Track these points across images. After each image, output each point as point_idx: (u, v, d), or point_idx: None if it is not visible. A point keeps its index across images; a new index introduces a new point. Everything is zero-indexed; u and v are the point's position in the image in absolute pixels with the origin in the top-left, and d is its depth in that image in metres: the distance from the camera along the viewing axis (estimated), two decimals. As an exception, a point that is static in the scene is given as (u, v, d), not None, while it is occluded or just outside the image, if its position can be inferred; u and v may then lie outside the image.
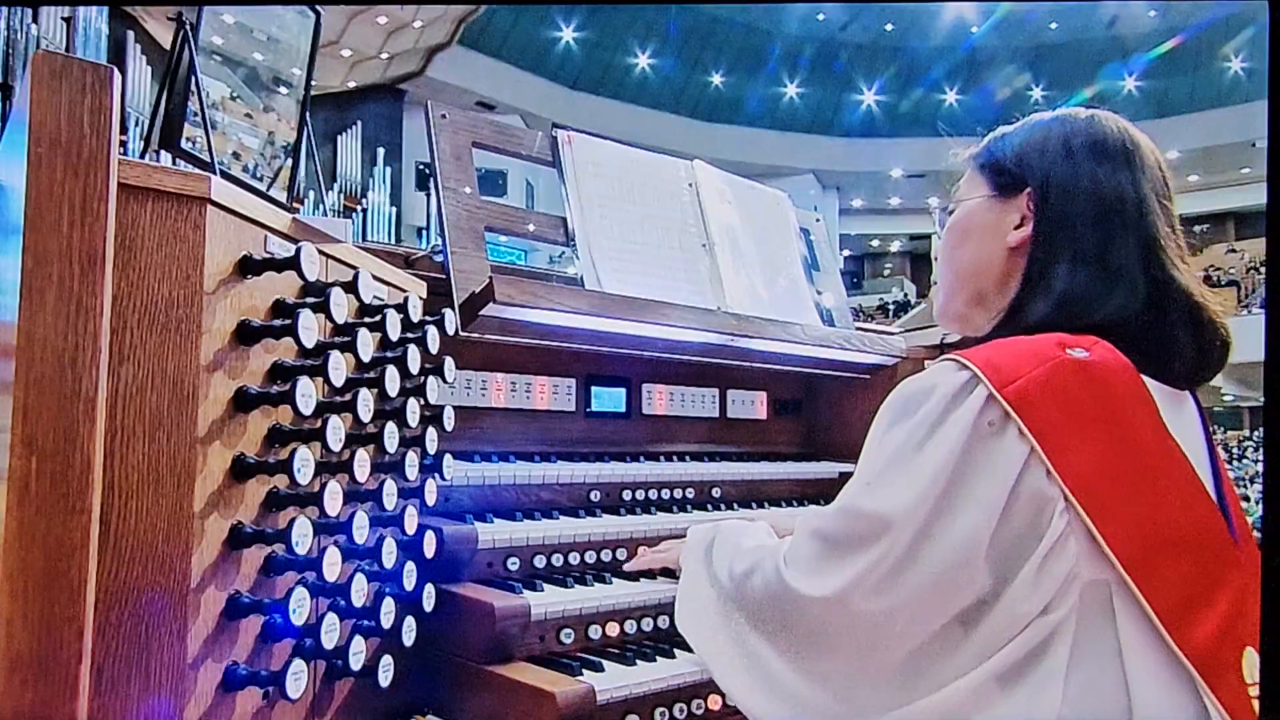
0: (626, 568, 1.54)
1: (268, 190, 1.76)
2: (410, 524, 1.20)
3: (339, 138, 13.51)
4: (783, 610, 1.06)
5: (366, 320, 1.13)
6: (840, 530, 1.01)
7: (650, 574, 1.53)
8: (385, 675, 1.12)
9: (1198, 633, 0.93)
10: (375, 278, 1.20)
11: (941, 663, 0.97)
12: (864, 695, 1.01)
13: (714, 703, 1.37)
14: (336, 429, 1.02)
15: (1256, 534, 1.04)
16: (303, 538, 0.97)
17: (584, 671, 1.28)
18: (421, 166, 14.25)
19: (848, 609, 0.99)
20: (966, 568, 0.94)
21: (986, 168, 1.17)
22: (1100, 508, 0.93)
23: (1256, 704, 0.94)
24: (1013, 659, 0.94)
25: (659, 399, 1.92)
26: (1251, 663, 0.95)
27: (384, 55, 13.85)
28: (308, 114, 1.84)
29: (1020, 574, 0.93)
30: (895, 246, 22.08)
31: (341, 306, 1.03)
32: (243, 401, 0.95)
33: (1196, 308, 1.06)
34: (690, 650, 1.24)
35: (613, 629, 1.42)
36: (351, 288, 1.06)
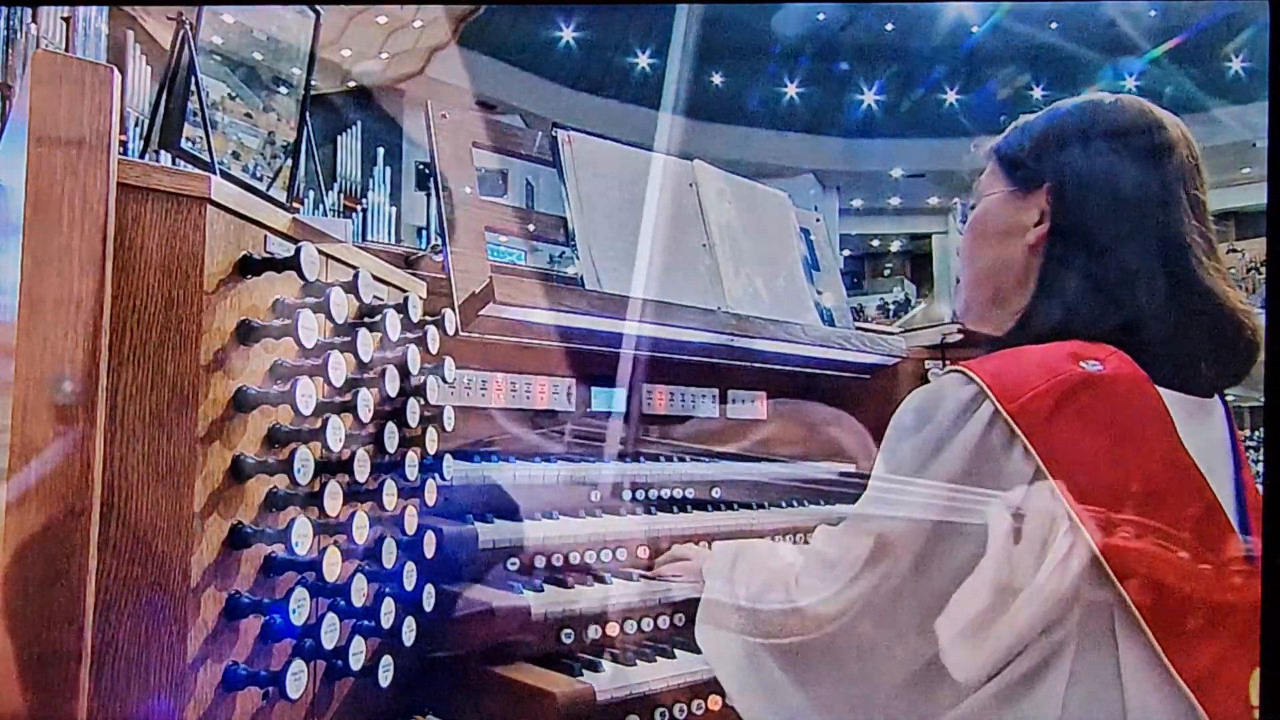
0: (655, 562, 1.53)
1: (268, 190, 1.77)
2: (410, 524, 1.20)
3: (339, 138, 13.46)
4: (790, 630, 1.04)
5: (366, 320, 1.13)
6: (844, 550, 0.99)
7: (648, 574, 1.53)
8: (385, 675, 1.12)
9: (1200, 658, 0.90)
10: (375, 278, 1.20)
11: (943, 683, 0.95)
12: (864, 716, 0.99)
13: (714, 703, 1.37)
14: (336, 429, 1.02)
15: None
16: (303, 538, 0.96)
17: (584, 671, 1.28)
18: (421, 166, 14.18)
19: (851, 630, 0.97)
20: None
21: (1005, 161, 1.10)
22: (1105, 528, 0.90)
23: None
24: (1012, 679, 0.92)
25: (659, 399, 1.92)
26: None
27: (384, 55, 13.85)
28: (308, 114, 1.84)
29: (1022, 593, 0.91)
30: (895, 246, 22.01)
31: (341, 306, 1.03)
32: (242, 401, 0.95)
33: (1220, 310, 1.00)
34: (693, 651, 1.24)
35: (613, 629, 1.42)
36: (351, 288, 1.05)
